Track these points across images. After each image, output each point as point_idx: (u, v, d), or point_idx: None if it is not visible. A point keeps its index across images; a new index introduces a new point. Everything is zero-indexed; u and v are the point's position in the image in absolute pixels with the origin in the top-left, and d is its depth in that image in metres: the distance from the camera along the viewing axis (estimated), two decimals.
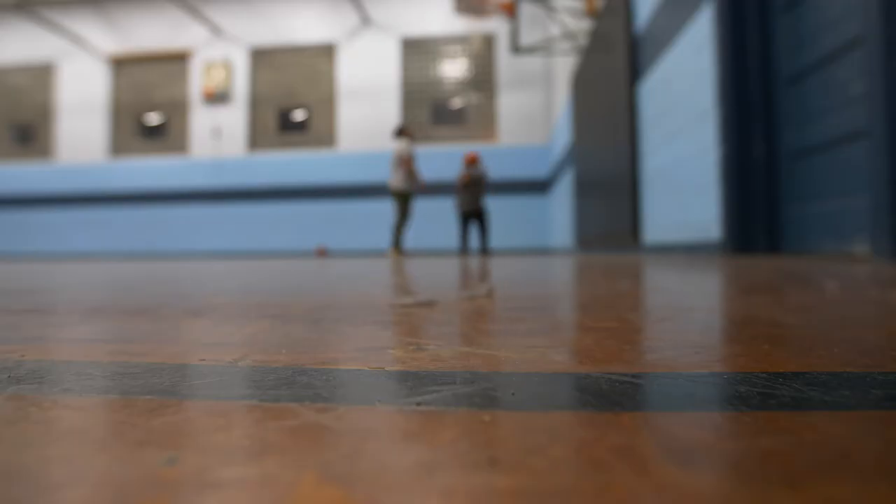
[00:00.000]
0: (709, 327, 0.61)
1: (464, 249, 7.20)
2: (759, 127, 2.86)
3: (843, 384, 0.36)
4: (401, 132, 6.60)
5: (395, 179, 6.48)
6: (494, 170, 10.58)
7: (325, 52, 11.25)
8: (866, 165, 2.12)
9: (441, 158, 10.67)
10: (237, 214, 11.13)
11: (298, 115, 11.27)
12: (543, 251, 9.27)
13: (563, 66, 8.94)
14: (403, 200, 6.51)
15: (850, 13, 2.21)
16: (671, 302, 0.87)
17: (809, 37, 2.53)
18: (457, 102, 10.93)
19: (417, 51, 11.04)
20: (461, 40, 10.96)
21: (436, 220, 10.59)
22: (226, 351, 0.50)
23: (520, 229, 10.55)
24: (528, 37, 9.91)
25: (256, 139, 11.34)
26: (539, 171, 10.58)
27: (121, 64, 11.84)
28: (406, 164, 6.43)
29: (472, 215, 7.17)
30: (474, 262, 3.23)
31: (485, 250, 7.19)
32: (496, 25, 10.71)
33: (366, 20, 11.01)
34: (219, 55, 11.46)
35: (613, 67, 4.96)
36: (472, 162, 7.17)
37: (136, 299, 1.04)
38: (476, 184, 7.15)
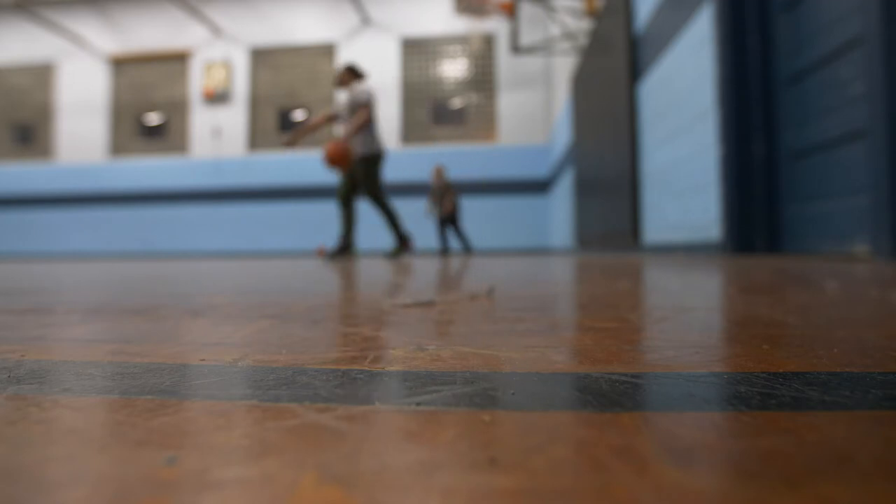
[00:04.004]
0: (709, 327, 0.61)
1: (444, 249, 7.98)
2: (759, 127, 2.86)
3: (843, 384, 0.36)
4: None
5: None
6: (495, 170, 10.58)
7: (325, 52, 11.25)
8: (866, 165, 2.12)
9: (441, 159, 10.66)
10: (237, 214, 11.13)
11: (298, 115, 11.27)
12: (543, 251, 9.27)
13: (563, 66, 8.94)
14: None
15: (850, 13, 2.21)
16: (671, 302, 0.87)
17: (809, 37, 2.53)
18: (457, 102, 10.93)
19: (417, 51, 11.04)
20: (461, 40, 10.96)
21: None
22: (226, 351, 0.50)
23: (520, 229, 10.55)
24: (528, 37, 9.91)
25: (256, 139, 11.34)
26: (539, 171, 10.58)
27: (121, 64, 11.84)
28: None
29: (447, 220, 8.06)
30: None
31: (467, 249, 8.06)
32: (496, 25, 10.71)
33: (366, 20, 11.01)
34: (219, 55, 11.46)
35: (613, 67, 4.96)
36: (439, 175, 8.02)
37: (135, 299, 1.04)
38: (445, 193, 8.04)
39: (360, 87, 4.84)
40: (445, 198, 7.98)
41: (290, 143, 4.86)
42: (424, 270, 2.18)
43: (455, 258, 4.60)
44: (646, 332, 0.58)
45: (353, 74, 4.95)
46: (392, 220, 4.97)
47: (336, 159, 4.66)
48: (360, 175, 4.86)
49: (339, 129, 4.89)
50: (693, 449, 0.24)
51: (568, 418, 0.29)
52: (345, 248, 4.91)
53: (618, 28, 4.76)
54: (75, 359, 0.47)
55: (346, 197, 4.95)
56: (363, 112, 4.77)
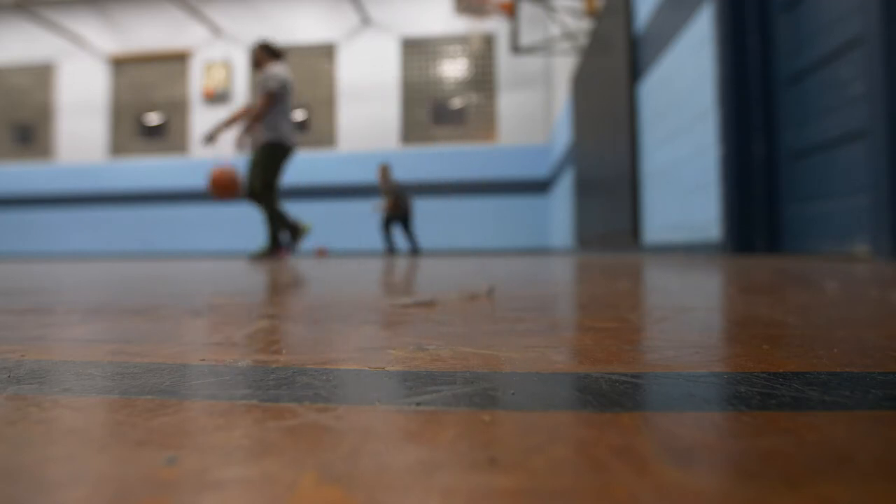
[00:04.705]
0: (709, 327, 0.61)
1: (390, 249, 7.92)
2: (759, 127, 2.86)
3: (843, 384, 0.36)
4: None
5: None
6: (495, 170, 10.58)
7: (325, 52, 11.25)
8: (866, 165, 2.12)
9: (441, 159, 10.67)
10: (237, 214, 11.13)
11: (298, 115, 11.27)
12: (543, 251, 9.27)
13: (563, 66, 8.94)
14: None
15: (850, 13, 2.21)
16: (671, 302, 0.87)
17: (809, 37, 2.53)
18: (457, 102, 10.93)
19: (417, 51, 11.04)
20: (461, 40, 10.96)
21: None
22: (226, 351, 0.50)
23: (520, 229, 10.55)
24: (528, 37, 9.91)
25: None
26: (539, 171, 10.58)
27: (121, 64, 11.84)
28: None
29: (397, 219, 7.92)
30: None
31: (415, 250, 7.91)
32: (496, 25, 10.70)
33: (366, 20, 11.01)
34: (219, 55, 11.46)
35: (613, 67, 4.96)
36: (385, 174, 7.85)
37: (135, 299, 1.04)
38: (397, 194, 7.91)
39: (272, 71, 4.40)
40: (398, 198, 7.89)
41: (210, 140, 4.52)
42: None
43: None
44: (646, 332, 0.58)
45: (268, 54, 4.50)
46: (275, 221, 4.44)
47: (221, 188, 4.14)
48: (256, 162, 4.34)
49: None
50: (693, 449, 0.24)
51: (568, 418, 0.29)
52: (277, 247, 4.54)
53: (618, 28, 4.75)
54: (75, 359, 0.47)
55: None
56: (263, 101, 4.26)
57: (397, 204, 7.85)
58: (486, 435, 0.26)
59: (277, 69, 4.44)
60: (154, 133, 11.71)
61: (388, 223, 7.91)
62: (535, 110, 10.72)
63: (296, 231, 4.63)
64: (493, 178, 10.55)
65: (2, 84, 12.20)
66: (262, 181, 4.36)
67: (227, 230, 11.17)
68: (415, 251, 7.91)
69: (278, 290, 1.25)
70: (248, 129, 4.37)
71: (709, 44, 3.12)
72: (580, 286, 1.24)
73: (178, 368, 0.42)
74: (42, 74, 12.06)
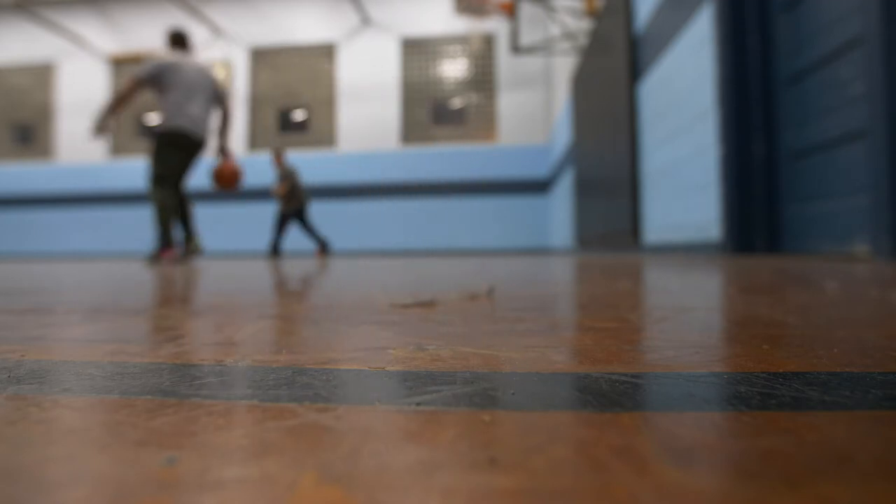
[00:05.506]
0: (709, 327, 0.61)
1: (275, 250, 6.89)
2: (759, 127, 2.86)
3: (843, 384, 0.36)
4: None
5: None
6: (495, 170, 10.58)
7: (325, 52, 11.25)
8: (866, 165, 2.12)
9: (441, 159, 10.66)
10: (237, 214, 11.13)
11: (298, 115, 11.27)
12: (543, 251, 9.27)
13: (563, 66, 8.94)
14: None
15: (850, 13, 2.21)
16: (671, 302, 0.87)
17: (809, 37, 2.53)
18: (457, 102, 10.93)
19: (417, 51, 11.04)
20: (461, 40, 10.96)
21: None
22: (226, 351, 0.50)
23: (520, 229, 10.55)
24: (528, 37, 9.91)
25: (256, 139, 11.34)
26: (539, 171, 10.58)
27: (121, 64, 11.83)
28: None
29: (292, 214, 6.96)
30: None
31: (324, 247, 6.98)
32: (496, 25, 10.71)
33: (366, 20, 11.01)
34: (219, 55, 11.46)
35: (613, 67, 4.96)
36: (280, 158, 6.98)
37: (136, 299, 1.03)
38: (290, 179, 6.93)
39: (153, 58, 4.23)
40: (294, 187, 6.87)
41: (103, 130, 4.12)
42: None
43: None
44: (646, 332, 0.58)
45: (167, 42, 4.39)
46: (161, 216, 4.14)
47: (223, 181, 4.12)
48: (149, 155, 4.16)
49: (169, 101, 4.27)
50: (693, 449, 0.24)
51: (568, 418, 0.29)
52: (186, 247, 4.29)
53: (618, 28, 4.75)
54: (75, 359, 0.47)
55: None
56: (125, 84, 4.11)
57: (293, 193, 6.88)
58: (486, 435, 0.26)
59: (160, 55, 4.25)
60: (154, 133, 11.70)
61: (283, 219, 6.85)
62: (535, 110, 10.72)
63: (188, 241, 4.38)
64: (493, 178, 10.54)
65: (2, 84, 12.20)
66: (149, 175, 4.16)
67: (227, 230, 11.17)
68: (324, 249, 6.96)
69: (277, 290, 1.25)
70: (110, 113, 4.10)
71: (709, 44, 3.12)
72: (580, 286, 1.24)
73: (178, 368, 0.42)
74: (42, 74, 12.06)
